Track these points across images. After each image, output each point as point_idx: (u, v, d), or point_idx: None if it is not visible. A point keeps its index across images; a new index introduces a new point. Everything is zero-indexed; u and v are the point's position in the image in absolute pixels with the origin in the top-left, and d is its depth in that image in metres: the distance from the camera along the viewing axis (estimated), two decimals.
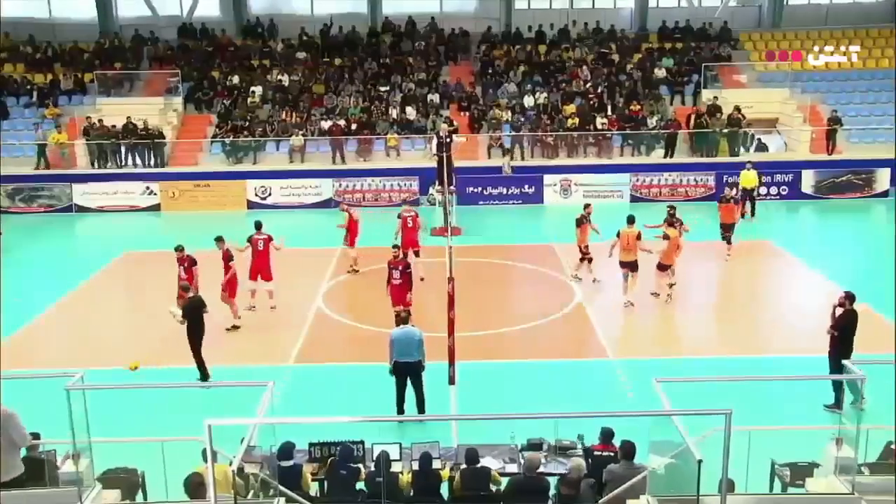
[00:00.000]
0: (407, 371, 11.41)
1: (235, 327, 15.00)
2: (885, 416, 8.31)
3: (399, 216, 18.00)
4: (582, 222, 17.08)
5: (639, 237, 15.67)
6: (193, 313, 12.52)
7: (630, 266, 15.78)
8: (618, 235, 15.80)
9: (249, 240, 15.69)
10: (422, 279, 16.26)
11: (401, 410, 11.43)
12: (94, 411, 7.06)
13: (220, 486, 6.96)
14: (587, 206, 17.59)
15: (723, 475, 6.13)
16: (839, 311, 11.56)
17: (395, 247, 15.23)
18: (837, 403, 11.17)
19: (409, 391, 11.55)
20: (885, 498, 7.21)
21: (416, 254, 17.73)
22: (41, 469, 7.71)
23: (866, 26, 32.13)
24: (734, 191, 19.83)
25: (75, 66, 30.61)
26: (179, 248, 14.79)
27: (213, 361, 13.42)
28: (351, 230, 18.14)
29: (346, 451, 8.52)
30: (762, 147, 27.88)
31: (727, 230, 18.92)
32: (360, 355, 13.90)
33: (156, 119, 27.80)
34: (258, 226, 15.86)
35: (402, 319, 11.85)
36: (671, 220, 16.38)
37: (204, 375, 12.59)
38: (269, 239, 15.64)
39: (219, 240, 15.09)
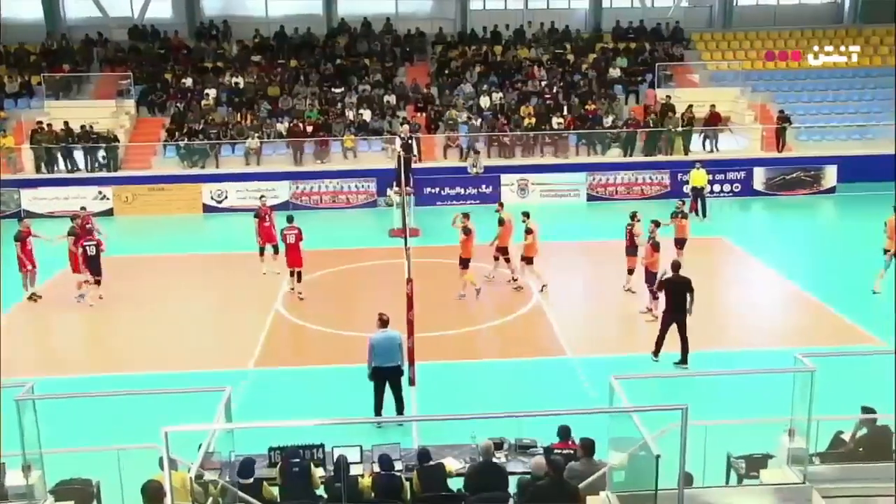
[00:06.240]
0: (387, 375, 11.20)
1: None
2: (833, 407, 8.54)
3: (257, 215, 18.21)
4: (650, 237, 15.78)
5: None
6: None
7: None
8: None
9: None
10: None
11: (379, 414, 11.19)
12: (46, 421, 6.91)
13: (179, 495, 6.86)
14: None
15: (680, 469, 6.22)
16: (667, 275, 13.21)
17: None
18: (683, 360, 12.95)
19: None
20: (835, 486, 7.42)
21: (276, 249, 17.91)
22: None
23: (812, 27, 32.96)
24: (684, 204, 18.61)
25: (21, 69, 29.87)
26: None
27: (171, 367, 13.23)
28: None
29: (291, 452, 8.51)
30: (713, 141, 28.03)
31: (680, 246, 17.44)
32: (322, 359, 13.83)
33: (108, 122, 27.28)
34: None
35: (384, 323, 11.28)
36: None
37: None
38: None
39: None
